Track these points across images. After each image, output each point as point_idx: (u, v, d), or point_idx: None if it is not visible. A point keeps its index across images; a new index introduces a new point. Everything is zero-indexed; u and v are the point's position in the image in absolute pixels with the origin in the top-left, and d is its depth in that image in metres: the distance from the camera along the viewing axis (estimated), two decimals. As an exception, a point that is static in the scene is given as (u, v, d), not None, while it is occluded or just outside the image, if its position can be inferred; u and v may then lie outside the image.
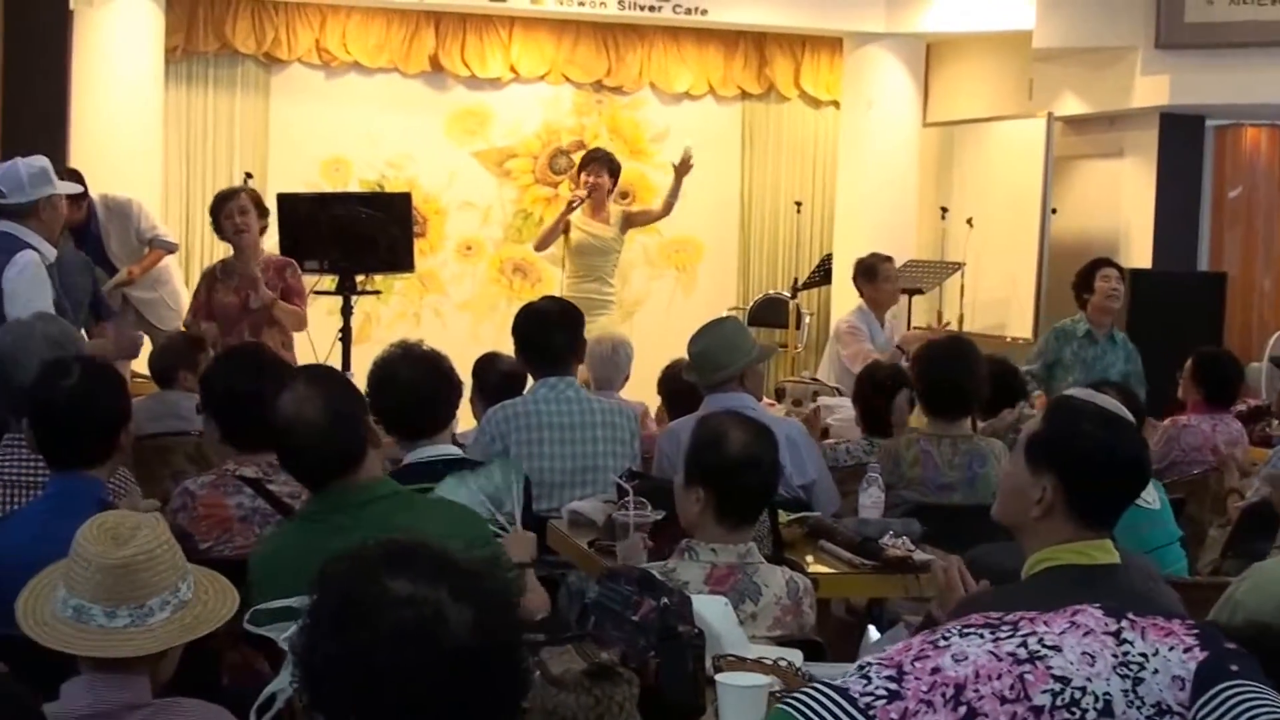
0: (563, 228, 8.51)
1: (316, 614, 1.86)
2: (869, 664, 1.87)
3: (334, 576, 1.87)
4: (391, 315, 11.11)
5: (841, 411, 6.58)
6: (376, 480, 3.47)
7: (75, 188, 5.98)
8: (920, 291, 10.32)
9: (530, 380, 5.49)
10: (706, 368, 5.22)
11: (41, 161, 5.75)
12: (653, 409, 6.71)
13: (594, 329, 7.65)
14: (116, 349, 5.81)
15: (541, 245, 8.75)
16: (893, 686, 1.82)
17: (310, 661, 1.85)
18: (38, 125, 7.51)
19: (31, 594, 2.62)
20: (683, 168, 8.66)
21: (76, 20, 9.24)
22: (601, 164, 8.61)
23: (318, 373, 3.54)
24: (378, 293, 8.44)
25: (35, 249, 5.60)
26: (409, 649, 1.80)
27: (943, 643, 1.87)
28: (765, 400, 6.27)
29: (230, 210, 6.97)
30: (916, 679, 1.82)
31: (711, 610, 3.13)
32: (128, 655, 2.54)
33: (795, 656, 3.13)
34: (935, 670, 1.83)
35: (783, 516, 4.50)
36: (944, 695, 1.81)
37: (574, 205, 8.50)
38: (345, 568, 1.87)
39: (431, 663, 1.80)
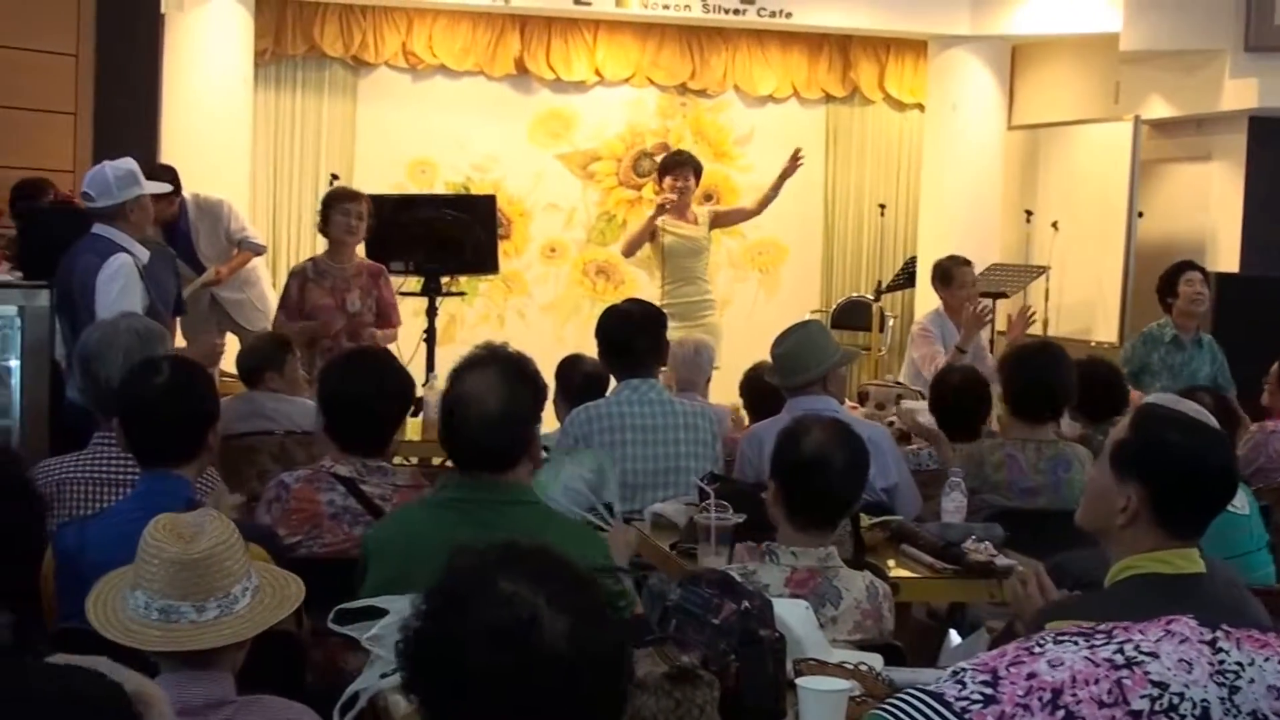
0: (649, 233, 8.50)
1: (430, 596, 1.90)
2: (963, 669, 1.86)
3: (455, 565, 1.91)
4: (476, 317, 11.16)
5: (923, 415, 6.53)
6: (521, 485, 3.50)
7: (163, 187, 6.05)
8: (1004, 295, 10.24)
9: (613, 382, 5.49)
10: (789, 370, 5.22)
11: (128, 164, 5.82)
12: (736, 411, 6.69)
13: (700, 330, 7.68)
14: (198, 356, 5.88)
15: (629, 251, 8.75)
16: (988, 691, 1.81)
17: (409, 640, 1.88)
18: (130, 128, 7.62)
19: (98, 601, 2.63)
20: (791, 168, 8.63)
21: (168, 24, 9.38)
22: (686, 167, 8.58)
23: (505, 365, 3.51)
24: (462, 294, 8.49)
25: (128, 251, 5.68)
26: (498, 648, 1.82)
27: (1037, 649, 1.86)
28: (848, 403, 6.25)
29: (349, 210, 6.99)
30: (1012, 684, 1.82)
31: (793, 614, 3.12)
32: (226, 644, 2.57)
33: (876, 661, 3.12)
34: (1031, 675, 1.82)
35: (864, 520, 4.47)
36: (1041, 699, 1.80)
37: (661, 211, 8.47)
38: (467, 560, 1.91)
39: (519, 664, 1.82)
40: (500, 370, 3.46)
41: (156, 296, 5.86)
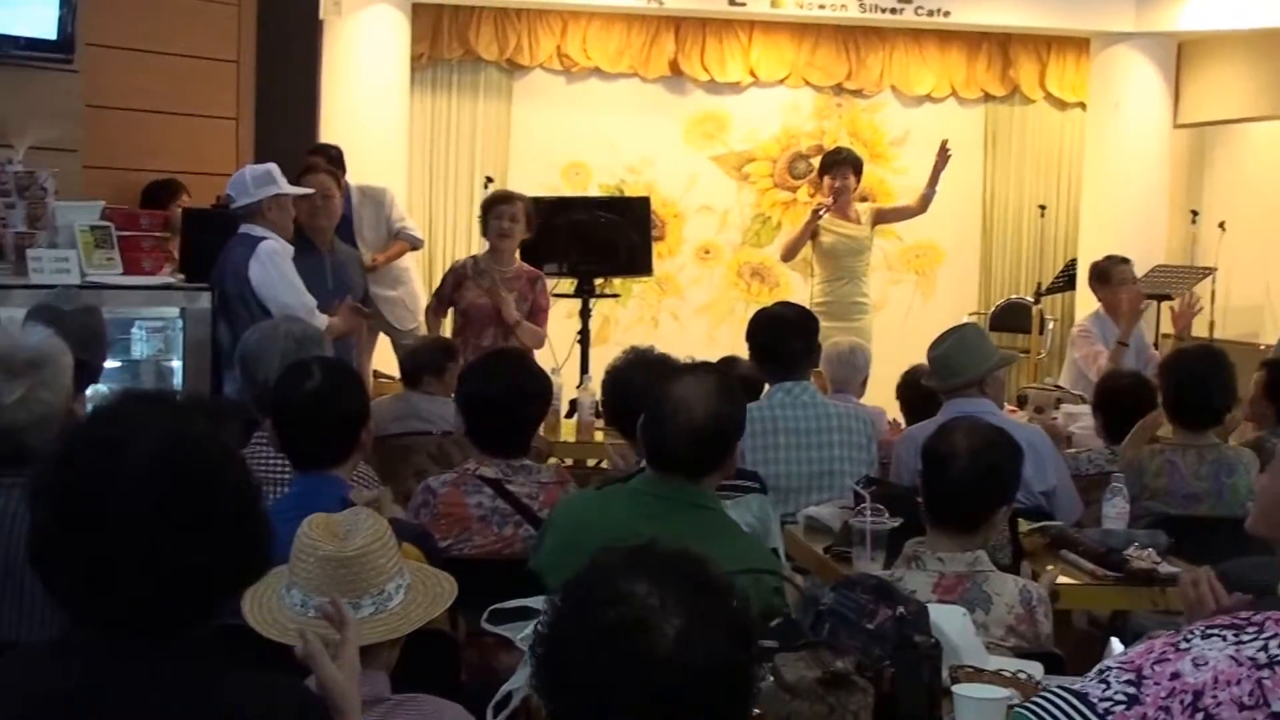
0: (808, 236, 8.40)
1: (561, 592, 1.89)
2: (1108, 668, 1.82)
3: (590, 563, 1.90)
4: (630, 318, 11.19)
5: (1084, 419, 6.41)
6: (707, 493, 3.49)
7: (304, 190, 6.16)
8: (1168, 297, 9.98)
9: (766, 385, 5.46)
10: (946, 373, 5.16)
11: (266, 165, 5.96)
12: (891, 415, 6.62)
13: (853, 332, 7.60)
14: (345, 325, 5.97)
15: (789, 255, 8.66)
16: (1131, 691, 1.77)
17: (536, 635, 1.88)
18: (289, 132, 7.75)
19: (255, 599, 2.63)
20: (942, 161, 8.52)
21: (326, 30, 9.54)
22: (846, 165, 8.48)
23: (720, 379, 3.52)
24: (616, 296, 8.51)
25: (272, 239, 5.83)
26: (604, 647, 1.80)
27: (1184, 644, 1.81)
28: (1008, 407, 6.15)
29: (503, 213, 7.06)
30: (1156, 684, 1.77)
31: (949, 620, 3.08)
32: (380, 640, 2.58)
33: (1035, 669, 3.06)
34: (1175, 675, 1.78)
35: (1023, 525, 4.42)
36: (1182, 702, 1.75)
37: (821, 212, 8.37)
38: (600, 558, 1.90)
39: (623, 665, 1.80)
40: (714, 382, 3.45)
41: (338, 291, 6.03)
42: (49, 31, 6.30)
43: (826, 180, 8.47)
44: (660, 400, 3.41)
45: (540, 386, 4.36)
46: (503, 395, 4.19)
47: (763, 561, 3.38)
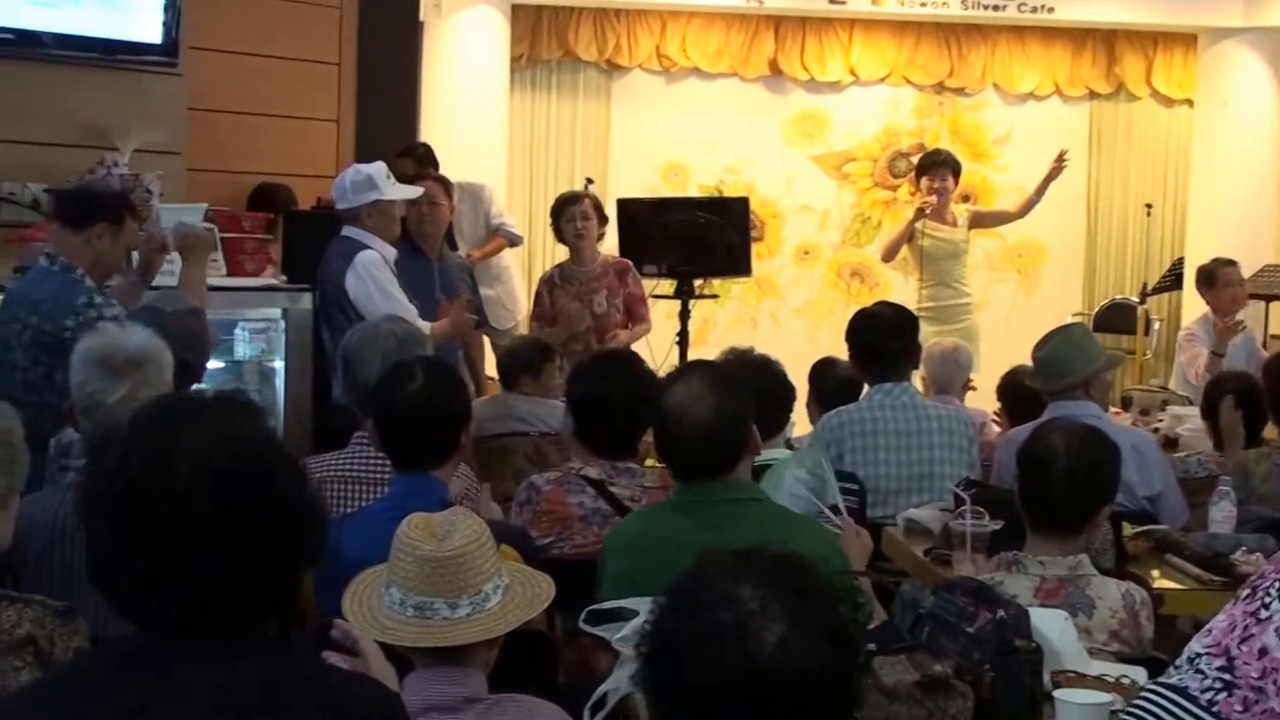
0: (908, 236, 8.37)
1: (666, 596, 1.90)
2: (1198, 655, 1.79)
3: (694, 567, 1.91)
4: (728, 319, 11.17)
5: (1191, 421, 6.30)
6: (744, 483, 3.49)
7: (410, 191, 6.14)
8: (1276, 299, 9.81)
9: (865, 387, 5.42)
10: (1050, 373, 5.11)
11: (367, 169, 5.92)
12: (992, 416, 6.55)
13: (957, 334, 7.53)
14: (452, 326, 5.99)
15: (889, 255, 8.65)
16: (1226, 677, 1.75)
17: (641, 638, 1.90)
18: (390, 134, 7.80)
19: (355, 598, 2.67)
20: (1057, 169, 8.42)
21: (426, 30, 9.60)
22: (944, 167, 8.44)
23: (711, 372, 3.53)
24: (715, 297, 8.48)
25: (372, 248, 5.81)
26: (706, 650, 1.81)
27: (1264, 613, 1.76)
28: (1113, 410, 6.05)
29: (572, 214, 7.07)
30: (1245, 664, 1.74)
31: (1050, 625, 3.04)
32: (479, 639, 2.59)
33: (1139, 675, 3.00)
34: (1263, 652, 1.74)
35: (1127, 529, 4.35)
36: (1275, 683, 1.71)
37: (921, 214, 8.32)
38: (705, 562, 1.91)
39: (725, 669, 1.80)
40: (704, 378, 3.45)
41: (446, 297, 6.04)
42: (154, 36, 6.38)
43: (925, 182, 8.42)
44: (660, 413, 3.42)
45: (648, 387, 4.31)
46: (614, 396, 4.19)
47: (821, 548, 3.35)
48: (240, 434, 1.93)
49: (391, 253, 5.92)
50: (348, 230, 5.88)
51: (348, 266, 5.76)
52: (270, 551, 1.90)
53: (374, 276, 5.74)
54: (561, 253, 7.61)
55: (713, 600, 1.83)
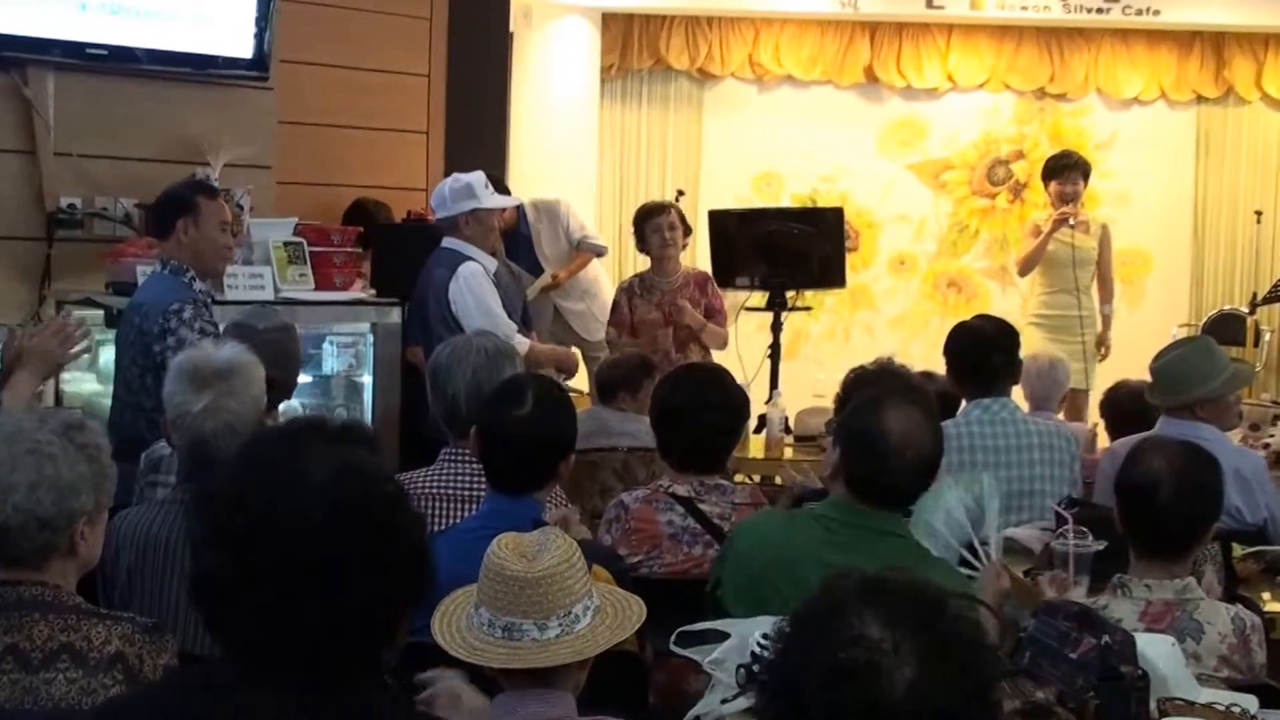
0: (1045, 248, 7.95)
1: (790, 622, 1.85)
2: None
3: (820, 592, 1.85)
4: (821, 331, 11.08)
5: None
6: (895, 517, 3.44)
7: (507, 200, 6.14)
8: (1393, 307, 9.56)
9: (963, 402, 5.31)
10: (1161, 389, 5.04)
11: (467, 178, 5.98)
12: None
13: (1074, 350, 7.34)
14: (568, 358, 5.99)
15: (1027, 267, 8.17)
16: None
17: (761, 663, 1.88)
18: (480, 145, 7.79)
19: (444, 618, 2.66)
20: (1059, 221, 7.92)
21: (516, 41, 9.60)
22: (1076, 170, 8.05)
23: (919, 398, 3.49)
24: (808, 309, 8.36)
25: (474, 260, 5.86)
26: (834, 688, 1.75)
27: None
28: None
29: (658, 224, 7.04)
30: None
31: (1157, 650, 2.95)
32: (568, 661, 2.57)
33: (1250, 702, 2.93)
34: None
35: (1237, 550, 4.31)
36: None
37: (1061, 223, 7.91)
38: (831, 587, 1.85)
39: (854, 708, 1.74)
40: (924, 409, 3.40)
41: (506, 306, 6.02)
42: (245, 50, 6.44)
43: (1054, 186, 8.03)
44: (879, 434, 3.31)
45: (727, 398, 4.26)
46: (689, 408, 4.14)
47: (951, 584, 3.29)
48: (365, 469, 1.94)
49: (492, 264, 5.98)
50: (448, 241, 5.94)
51: (450, 278, 5.82)
52: (387, 595, 1.92)
53: (475, 289, 5.80)
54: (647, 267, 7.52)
55: (842, 637, 1.77)
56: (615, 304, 7.28)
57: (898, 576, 1.85)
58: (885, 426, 3.30)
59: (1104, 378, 6.42)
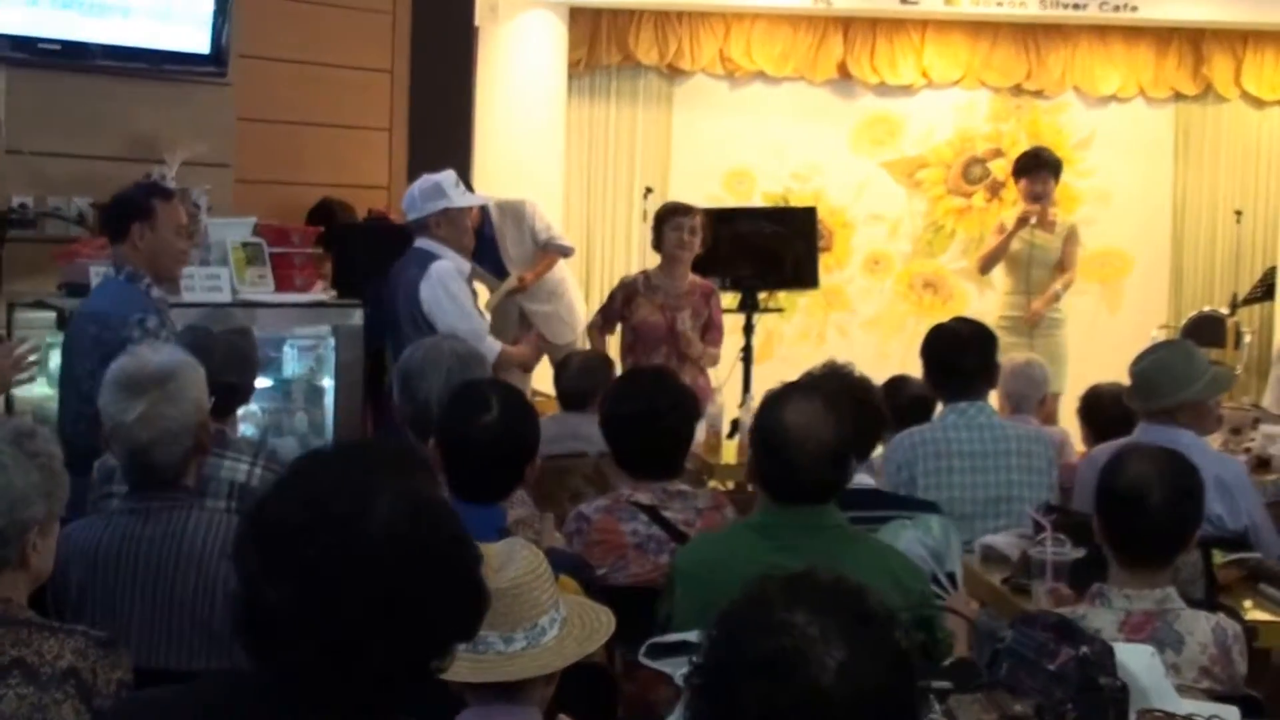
0: (1007, 246, 7.94)
1: (715, 623, 1.87)
2: None
3: (744, 593, 1.87)
4: (794, 333, 11.01)
5: (1280, 442, 6.09)
6: (830, 510, 3.42)
7: (475, 199, 6.08)
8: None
9: (939, 406, 5.26)
10: (1139, 394, 4.95)
11: (435, 177, 5.94)
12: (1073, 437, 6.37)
13: (1047, 351, 7.26)
14: (534, 356, 5.90)
15: (987, 266, 8.23)
16: None
17: (694, 661, 1.87)
18: (443, 140, 7.71)
19: None
20: (1022, 221, 7.90)
21: (481, 36, 9.55)
22: (1045, 169, 8.02)
23: (823, 393, 3.46)
24: (780, 310, 8.29)
25: (445, 259, 5.83)
26: (762, 679, 1.76)
27: None
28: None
29: (680, 224, 6.91)
30: None
31: (1136, 661, 2.92)
32: (534, 675, 2.56)
33: (1231, 714, 2.94)
34: None
35: (1218, 557, 4.21)
36: None
37: (1024, 223, 7.90)
38: (755, 587, 1.86)
39: (784, 698, 1.75)
40: (822, 399, 3.39)
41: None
42: (203, 45, 6.34)
43: (1024, 184, 8.01)
44: (778, 430, 3.33)
45: (676, 400, 4.21)
46: (637, 414, 4.09)
47: (906, 576, 3.37)
48: (433, 503, 1.95)
49: (466, 265, 5.96)
50: (420, 242, 5.91)
51: (421, 277, 5.78)
52: (450, 623, 1.94)
53: (448, 288, 5.76)
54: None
55: (767, 627, 1.79)
56: (611, 296, 7.20)
57: (822, 572, 1.87)
58: (785, 421, 3.31)
59: (1081, 381, 6.34)
